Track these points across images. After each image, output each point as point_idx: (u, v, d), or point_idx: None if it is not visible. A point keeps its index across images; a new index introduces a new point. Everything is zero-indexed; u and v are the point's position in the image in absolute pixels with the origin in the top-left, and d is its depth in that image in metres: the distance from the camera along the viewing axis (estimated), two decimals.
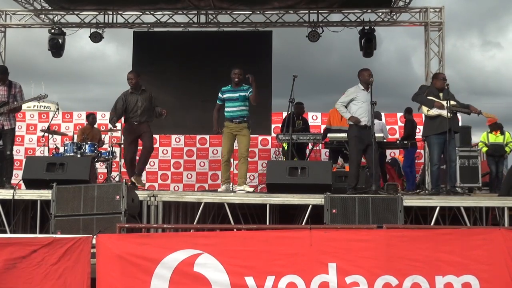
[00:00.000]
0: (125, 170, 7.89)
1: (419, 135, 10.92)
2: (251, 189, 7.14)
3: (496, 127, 10.36)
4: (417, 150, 10.71)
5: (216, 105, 7.43)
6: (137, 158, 7.74)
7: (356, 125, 6.78)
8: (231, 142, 7.27)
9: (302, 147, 9.01)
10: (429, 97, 6.97)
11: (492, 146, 10.30)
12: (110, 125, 7.49)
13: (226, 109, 7.31)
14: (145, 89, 7.57)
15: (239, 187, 7.13)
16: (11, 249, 4.10)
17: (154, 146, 8.76)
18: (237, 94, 7.24)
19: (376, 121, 10.52)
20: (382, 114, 11.05)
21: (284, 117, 10.20)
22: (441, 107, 6.83)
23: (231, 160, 7.39)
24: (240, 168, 7.30)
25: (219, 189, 7.22)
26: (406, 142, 9.23)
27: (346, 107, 6.87)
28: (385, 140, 9.17)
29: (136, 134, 7.52)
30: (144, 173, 11.40)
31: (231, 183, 7.46)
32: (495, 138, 10.34)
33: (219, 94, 7.37)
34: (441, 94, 6.93)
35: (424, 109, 7.06)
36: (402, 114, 11.09)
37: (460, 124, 7.74)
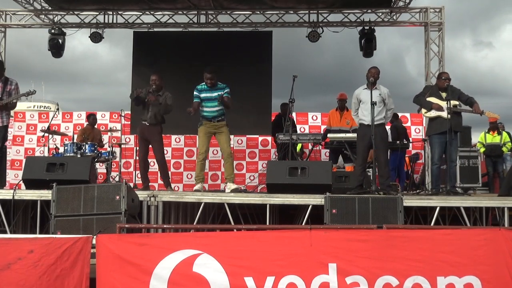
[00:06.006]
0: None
1: (418, 135, 10.95)
2: (235, 186, 7.21)
3: (494, 126, 10.32)
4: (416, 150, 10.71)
5: (195, 103, 7.29)
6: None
7: (361, 124, 6.89)
8: (209, 140, 7.34)
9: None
10: (428, 99, 6.96)
11: (489, 146, 10.26)
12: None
13: (204, 109, 7.32)
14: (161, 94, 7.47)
15: (228, 184, 7.23)
16: (8, 249, 4.08)
17: None
18: (215, 94, 7.27)
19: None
20: None
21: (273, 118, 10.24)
22: (440, 108, 6.83)
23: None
24: (226, 167, 7.39)
25: (194, 188, 7.24)
26: (406, 142, 9.24)
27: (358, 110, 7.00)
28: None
29: (146, 138, 7.47)
30: None
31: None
32: (492, 138, 10.30)
33: (195, 92, 7.33)
34: (444, 94, 6.91)
35: (423, 111, 7.09)
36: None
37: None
